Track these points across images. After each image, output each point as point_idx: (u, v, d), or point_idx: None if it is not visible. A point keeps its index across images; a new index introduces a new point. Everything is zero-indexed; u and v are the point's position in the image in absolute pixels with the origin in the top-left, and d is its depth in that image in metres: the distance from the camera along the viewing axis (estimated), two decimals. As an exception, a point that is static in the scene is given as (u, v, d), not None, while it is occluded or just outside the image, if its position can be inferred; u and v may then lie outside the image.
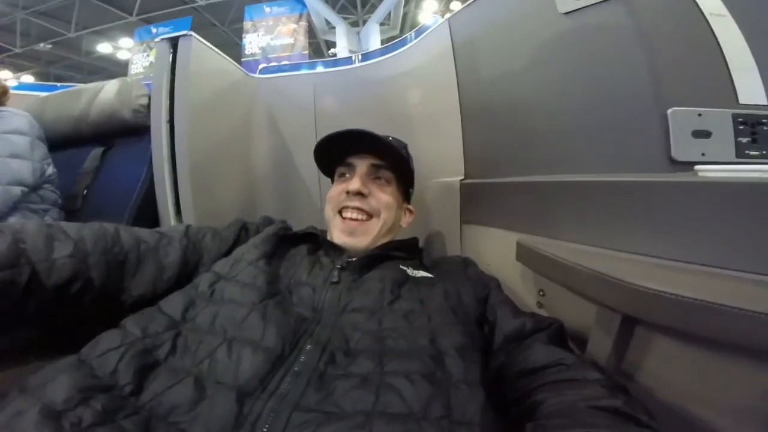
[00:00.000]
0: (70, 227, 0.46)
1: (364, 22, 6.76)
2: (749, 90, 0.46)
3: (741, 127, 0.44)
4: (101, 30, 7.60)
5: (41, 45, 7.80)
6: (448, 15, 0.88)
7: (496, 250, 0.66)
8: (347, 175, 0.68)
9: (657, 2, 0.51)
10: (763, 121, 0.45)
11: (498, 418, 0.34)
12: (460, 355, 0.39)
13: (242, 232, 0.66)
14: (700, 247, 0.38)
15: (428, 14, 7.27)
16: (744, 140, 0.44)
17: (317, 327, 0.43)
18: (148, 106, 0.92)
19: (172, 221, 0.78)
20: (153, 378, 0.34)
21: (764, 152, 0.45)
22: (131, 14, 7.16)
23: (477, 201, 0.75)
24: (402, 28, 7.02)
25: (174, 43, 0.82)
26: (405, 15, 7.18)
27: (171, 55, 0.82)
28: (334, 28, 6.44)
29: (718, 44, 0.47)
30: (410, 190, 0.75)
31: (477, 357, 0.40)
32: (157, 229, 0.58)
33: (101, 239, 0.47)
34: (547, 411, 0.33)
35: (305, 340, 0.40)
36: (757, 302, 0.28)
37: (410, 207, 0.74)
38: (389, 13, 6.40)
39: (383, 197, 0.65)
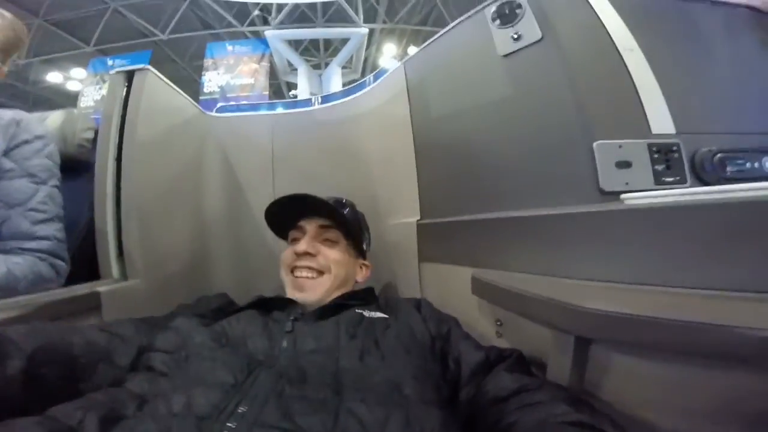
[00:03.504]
0: (19, 333, 0.43)
1: (326, 64, 7.03)
2: (660, 120, 0.52)
3: (656, 156, 0.50)
4: (53, 59, 7.24)
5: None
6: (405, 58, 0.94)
7: (453, 285, 0.67)
8: (298, 238, 0.72)
9: (580, 41, 0.57)
10: (674, 149, 0.51)
11: None
12: (416, 381, 0.40)
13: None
14: (633, 267, 0.41)
15: (388, 58, 7.73)
16: (660, 168, 0.50)
17: (273, 363, 0.44)
18: (93, 141, 0.88)
19: (114, 267, 0.72)
20: (117, 427, 0.35)
21: (678, 177, 0.50)
22: (89, 44, 6.93)
23: (433, 240, 0.78)
24: (363, 71, 7.38)
25: (129, 76, 0.80)
26: (366, 59, 7.58)
27: (125, 89, 0.79)
28: (296, 69, 6.61)
29: (632, 78, 0.53)
30: (364, 246, 0.79)
31: (433, 384, 0.42)
32: (105, 324, 0.54)
33: (50, 350, 0.43)
34: (520, 431, 0.34)
35: (260, 371, 0.41)
36: (684, 312, 0.31)
37: (366, 263, 0.78)
38: (351, 57, 6.73)
39: (331, 254, 0.70)
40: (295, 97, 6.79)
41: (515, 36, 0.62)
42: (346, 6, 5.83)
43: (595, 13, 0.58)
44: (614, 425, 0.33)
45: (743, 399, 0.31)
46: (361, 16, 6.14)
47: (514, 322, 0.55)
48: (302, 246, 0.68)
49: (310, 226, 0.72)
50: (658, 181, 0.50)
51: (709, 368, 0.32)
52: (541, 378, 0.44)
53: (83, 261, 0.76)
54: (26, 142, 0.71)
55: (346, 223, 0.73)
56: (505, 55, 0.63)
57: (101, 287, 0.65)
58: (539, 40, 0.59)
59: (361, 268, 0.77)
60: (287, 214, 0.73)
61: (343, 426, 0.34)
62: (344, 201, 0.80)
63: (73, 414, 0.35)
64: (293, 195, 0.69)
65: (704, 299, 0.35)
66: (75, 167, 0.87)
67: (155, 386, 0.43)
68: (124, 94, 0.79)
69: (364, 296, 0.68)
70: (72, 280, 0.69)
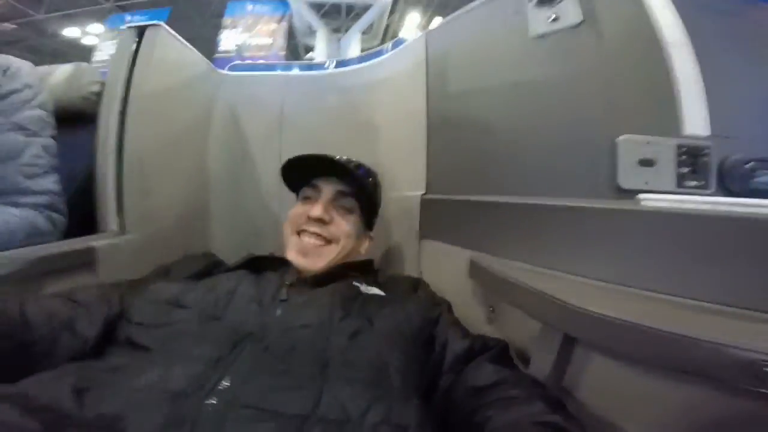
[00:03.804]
0: None
1: (347, 29, 6.79)
2: (695, 121, 0.48)
3: (683, 158, 0.47)
4: (72, 14, 7.17)
5: (4, 24, 7.25)
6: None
7: (451, 266, 0.67)
8: (311, 198, 0.67)
9: (622, 29, 0.53)
10: (704, 152, 0.47)
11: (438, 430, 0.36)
12: (403, 369, 0.40)
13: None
14: (637, 271, 0.40)
15: (410, 28, 7.42)
16: (684, 170, 0.47)
17: (263, 336, 0.43)
18: (101, 94, 0.87)
19: (113, 220, 0.72)
20: (90, 396, 0.33)
21: (702, 183, 0.47)
22: (108, 0, 6.81)
23: (436, 217, 0.76)
24: (383, 38, 7.11)
25: (141, 32, 0.79)
26: (388, 26, 7.29)
27: (135, 44, 0.78)
28: (315, 32, 6.41)
29: (673, 74, 0.49)
30: (374, 219, 0.75)
31: (419, 373, 0.42)
32: (68, 293, 0.50)
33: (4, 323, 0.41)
34: (493, 427, 0.34)
35: (246, 344, 0.40)
36: (682, 325, 0.30)
37: (371, 234, 0.75)
38: (372, 23, 6.47)
39: (344, 226, 0.65)
40: (312, 59, 6.61)
41: (553, 17, 0.57)
42: (372, -30, 5.55)
43: (646, 3, 0.53)
44: (581, 429, 0.33)
45: (720, 421, 0.30)
46: (388, -18, 5.84)
47: (507, 311, 0.55)
48: (317, 211, 0.63)
49: (327, 188, 0.66)
50: (681, 185, 0.47)
51: (691, 388, 0.31)
52: (522, 372, 0.44)
53: (79, 213, 0.75)
54: (14, 91, 0.67)
55: (367, 195, 0.69)
56: (538, 36, 0.59)
57: (97, 242, 0.65)
58: (578, 24, 0.55)
59: (365, 239, 0.74)
60: (306, 170, 0.68)
61: (324, 408, 0.33)
62: (368, 169, 0.75)
63: (46, 386, 0.34)
64: (319, 155, 0.64)
65: (703, 313, 0.34)
66: (79, 119, 0.86)
67: (134, 359, 0.41)
68: (134, 49, 0.78)
69: (362, 267, 0.66)
70: (67, 235, 0.69)
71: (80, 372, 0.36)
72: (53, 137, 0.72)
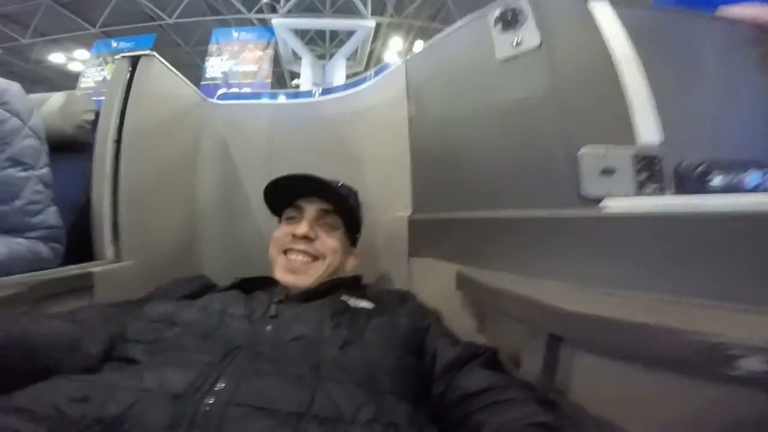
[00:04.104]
0: None
1: (331, 55, 6.98)
2: (647, 130, 0.53)
3: (640, 165, 0.51)
4: (57, 39, 7.17)
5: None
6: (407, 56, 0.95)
7: (440, 280, 0.69)
8: (295, 218, 0.69)
9: (576, 49, 0.58)
10: (658, 158, 0.52)
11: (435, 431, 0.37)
12: (392, 373, 0.42)
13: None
14: (607, 271, 0.42)
15: (394, 52, 7.68)
16: (642, 177, 0.51)
17: (255, 347, 0.44)
18: (93, 122, 0.89)
19: (108, 244, 0.73)
20: (90, 401, 0.33)
21: (660, 187, 0.51)
22: (95, 26, 6.86)
23: (423, 235, 0.79)
24: (367, 64, 7.33)
25: (134, 61, 0.81)
26: (371, 52, 7.52)
27: (129, 74, 0.80)
28: (300, 59, 6.57)
29: (624, 89, 0.54)
30: (357, 235, 0.77)
31: (409, 379, 0.43)
32: (72, 313, 0.52)
33: (9, 342, 0.42)
34: (488, 431, 0.35)
35: (237, 352, 0.41)
36: (653, 317, 0.32)
37: (355, 251, 0.77)
38: (357, 49, 6.68)
39: (329, 242, 0.67)
40: (298, 86, 6.74)
41: (516, 42, 0.62)
42: (354, -2, 5.78)
43: (597, 24, 0.59)
44: (576, 427, 0.34)
45: (710, 412, 0.32)
46: (369, 9, 6.08)
47: (495, 320, 0.57)
48: (303, 229, 0.65)
49: (310, 207, 0.68)
50: (640, 190, 0.51)
51: (671, 376, 0.33)
52: (512, 376, 0.45)
53: (76, 241, 0.76)
54: (3, 121, 0.64)
55: (349, 211, 0.71)
56: (504, 60, 0.64)
57: (95, 268, 0.66)
58: (537, 47, 0.60)
59: (350, 256, 0.76)
60: (287, 192, 0.70)
61: (319, 406, 0.34)
62: (349, 187, 0.78)
63: (43, 396, 0.34)
64: (300, 174, 0.65)
65: (671, 305, 0.36)
66: (73, 147, 0.88)
67: (127, 370, 0.42)
68: (128, 78, 0.80)
69: (350, 283, 0.67)
70: (64, 259, 0.71)
71: (74, 383, 0.36)
72: (48, 165, 0.71)
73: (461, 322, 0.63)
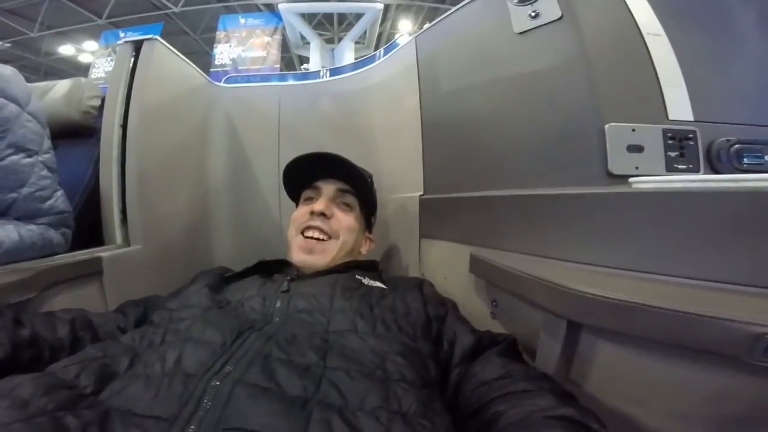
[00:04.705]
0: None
1: (340, 39, 6.86)
2: (678, 106, 0.50)
3: (670, 142, 0.48)
4: (66, 31, 7.24)
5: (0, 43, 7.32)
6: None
7: (452, 263, 0.67)
8: (313, 198, 0.70)
9: (601, 22, 0.55)
10: (689, 136, 0.49)
11: (448, 420, 0.36)
12: (401, 357, 0.40)
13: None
14: (634, 253, 0.40)
15: (403, 34, 7.50)
16: (673, 154, 0.48)
17: (265, 325, 0.44)
18: (100, 108, 0.88)
19: (117, 228, 0.74)
20: (111, 383, 0.36)
21: (691, 165, 0.48)
22: (101, 17, 6.87)
23: (435, 216, 0.77)
24: (377, 47, 7.18)
25: (137, 46, 0.81)
26: (380, 34, 7.37)
27: (132, 59, 0.80)
28: (308, 43, 6.48)
29: (652, 62, 0.51)
30: (372, 219, 0.78)
31: (419, 363, 0.42)
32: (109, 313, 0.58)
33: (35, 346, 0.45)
34: (505, 423, 0.34)
35: (249, 333, 0.42)
36: (683, 303, 0.30)
37: (371, 236, 0.78)
38: (365, 32, 6.55)
39: (345, 220, 0.69)
40: (307, 70, 6.68)
41: (533, 14, 0.59)
42: (362, -21, 5.63)
43: None
44: (599, 422, 0.32)
45: (730, 402, 0.30)
46: (377, -9, 5.92)
47: (510, 304, 0.55)
48: (320, 205, 0.66)
49: (327, 187, 0.70)
50: (670, 168, 0.48)
51: (698, 367, 0.31)
52: (529, 365, 0.44)
53: (84, 225, 0.76)
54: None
55: (365, 190, 0.72)
56: (521, 33, 0.61)
57: (103, 253, 0.67)
58: (558, 19, 0.56)
59: (366, 241, 0.76)
60: (304, 174, 0.71)
61: (324, 393, 0.34)
62: (364, 170, 0.77)
63: (69, 370, 0.36)
64: (321, 153, 0.67)
65: (700, 290, 0.34)
66: (80, 133, 0.88)
67: (147, 338, 0.44)
68: (132, 63, 0.80)
69: (366, 266, 0.67)
70: (72, 244, 0.70)
71: (100, 356, 0.40)
72: (51, 150, 0.70)
73: (474, 307, 0.61)
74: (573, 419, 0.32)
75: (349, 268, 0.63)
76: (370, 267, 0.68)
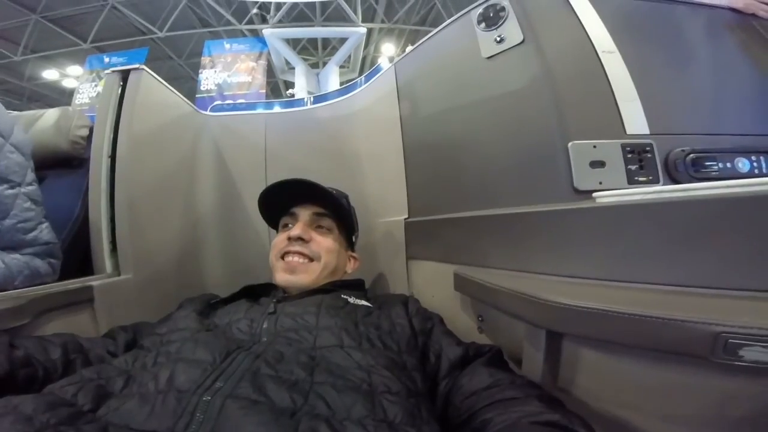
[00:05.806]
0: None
1: (324, 63, 7.01)
2: (634, 121, 0.53)
3: (629, 156, 0.51)
4: (49, 55, 7.18)
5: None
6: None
7: (438, 282, 0.69)
8: (290, 225, 0.72)
9: (559, 43, 0.59)
10: (647, 149, 0.52)
11: (436, 428, 0.37)
12: (387, 372, 0.41)
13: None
14: (603, 264, 0.42)
15: (386, 57, 7.71)
16: (633, 167, 0.51)
17: (253, 345, 0.46)
18: (88, 138, 0.89)
19: (107, 258, 0.74)
20: (108, 401, 0.37)
21: (651, 177, 0.52)
22: (86, 41, 6.87)
23: (420, 237, 0.80)
24: (361, 70, 7.35)
25: (125, 75, 0.82)
26: (364, 58, 7.56)
27: (120, 88, 0.81)
28: (293, 68, 6.59)
29: (608, 79, 0.54)
30: (353, 238, 0.80)
31: (405, 376, 0.43)
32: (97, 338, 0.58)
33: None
34: (494, 430, 0.35)
35: (238, 352, 0.43)
36: (649, 307, 0.32)
37: (354, 255, 0.79)
38: (349, 56, 6.71)
39: (324, 242, 0.70)
40: (293, 95, 6.76)
41: (498, 39, 0.63)
42: (344, 5, 5.80)
43: (577, 16, 0.59)
44: (585, 425, 0.33)
45: (719, 404, 0.31)
46: (360, 16, 6.12)
47: (495, 318, 0.56)
48: (296, 230, 0.68)
49: (304, 212, 0.72)
50: (631, 181, 0.51)
51: (680, 369, 0.32)
52: (516, 374, 0.45)
53: (75, 255, 0.77)
54: None
55: (341, 211, 0.73)
56: (489, 57, 0.65)
57: (94, 282, 0.66)
58: (520, 43, 0.61)
59: (350, 260, 0.78)
60: (280, 201, 0.73)
61: (312, 404, 0.35)
62: (341, 192, 0.80)
63: (67, 390, 0.38)
64: (291, 179, 0.68)
65: (666, 295, 0.36)
66: (69, 163, 0.88)
67: (139, 361, 0.46)
68: (119, 92, 0.81)
69: (352, 285, 0.69)
70: (64, 273, 0.70)
71: (96, 377, 0.41)
72: (35, 182, 0.69)
73: (462, 324, 0.63)
74: (558, 424, 0.33)
75: (335, 287, 0.64)
76: (355, 286, 0.69)
